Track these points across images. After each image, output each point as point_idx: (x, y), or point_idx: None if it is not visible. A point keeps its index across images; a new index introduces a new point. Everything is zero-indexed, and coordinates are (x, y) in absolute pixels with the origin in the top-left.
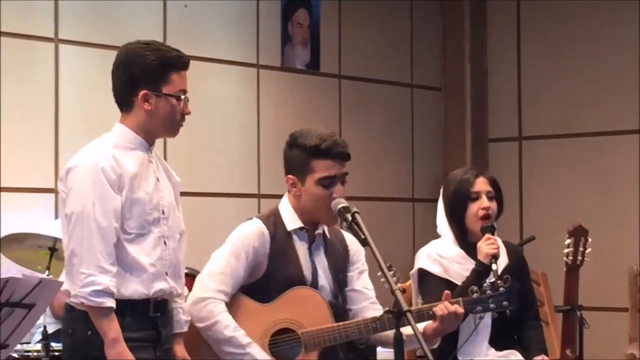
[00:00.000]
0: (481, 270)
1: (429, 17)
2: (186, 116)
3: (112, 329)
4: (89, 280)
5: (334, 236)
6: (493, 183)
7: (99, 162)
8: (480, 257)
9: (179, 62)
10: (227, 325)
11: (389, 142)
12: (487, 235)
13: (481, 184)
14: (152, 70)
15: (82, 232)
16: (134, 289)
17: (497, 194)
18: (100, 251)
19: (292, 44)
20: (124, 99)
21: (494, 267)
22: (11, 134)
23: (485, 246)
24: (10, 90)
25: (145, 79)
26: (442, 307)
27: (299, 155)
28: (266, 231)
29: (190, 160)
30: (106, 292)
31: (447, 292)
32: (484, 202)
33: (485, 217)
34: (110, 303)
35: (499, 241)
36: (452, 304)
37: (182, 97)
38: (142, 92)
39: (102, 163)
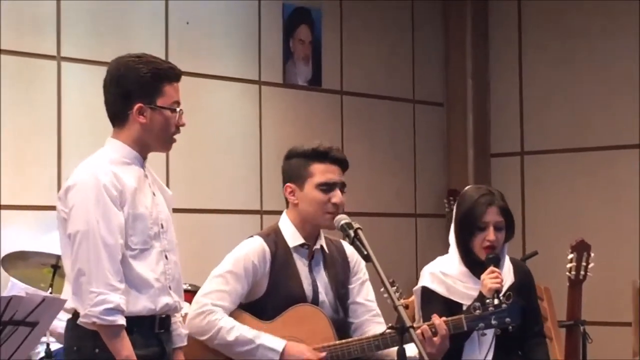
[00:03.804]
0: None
1: (431, 32)
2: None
3: (124, 347)
4: (100, 299)
5: (333, 249)
6: (504, 212)
7: (100, 179)
8: (484, 290)
9: (171, 73)
10: (230, 328)
11: (391, 158)
12: (491, 268)
13: (491, 215)
14: (145, 83)
15: (88, 250)
16: (142, 305)
17: (507, 220)
18: (108, 269)
19: (293, 60)
20: (118, 113)
21: (495, 302)
22: (14, 152)
23: (488, 280)
24: (13, 108)
25: (139, 92)
26: (422, 329)
27: (297, 162)
28: (267, 249)
29: (192, 176)
30: (117, 310)
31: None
32: (490, 234)
33: (489, 248)
34: (122, 321)
35: (507, 258)
36: (451, 322)
37: (177, 109)
38: (136, 106)
39: (103, 180)
